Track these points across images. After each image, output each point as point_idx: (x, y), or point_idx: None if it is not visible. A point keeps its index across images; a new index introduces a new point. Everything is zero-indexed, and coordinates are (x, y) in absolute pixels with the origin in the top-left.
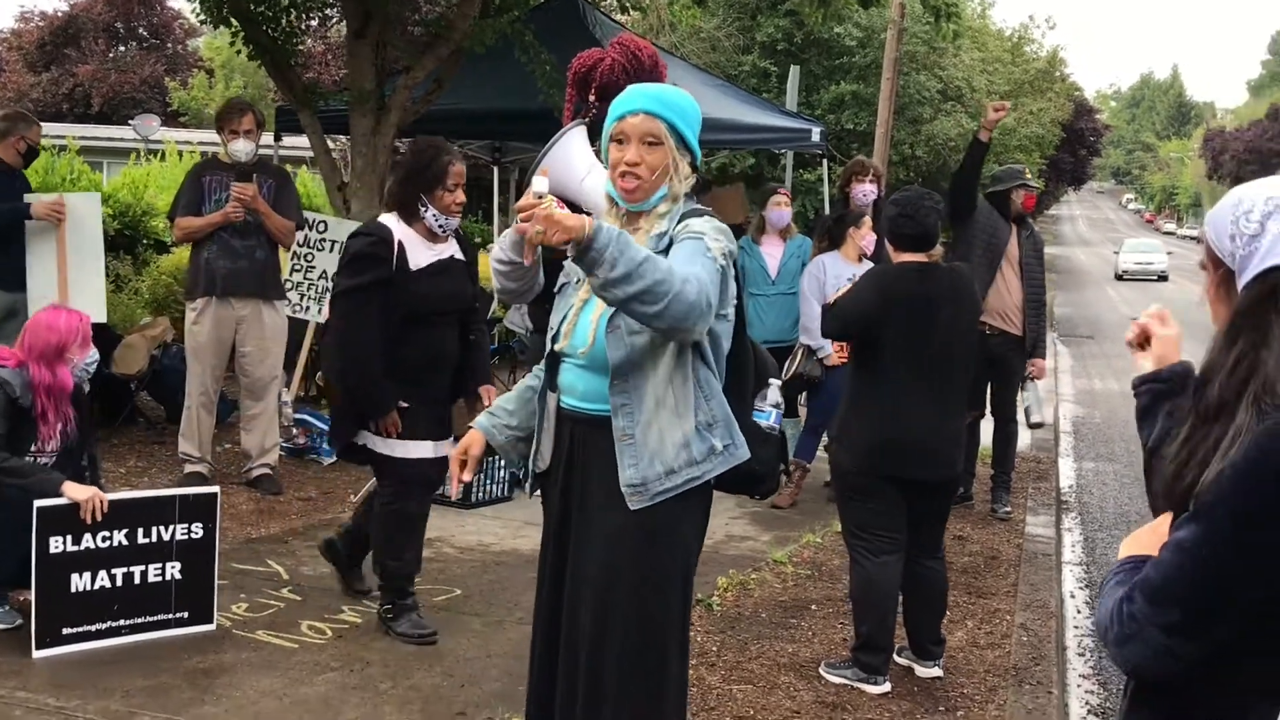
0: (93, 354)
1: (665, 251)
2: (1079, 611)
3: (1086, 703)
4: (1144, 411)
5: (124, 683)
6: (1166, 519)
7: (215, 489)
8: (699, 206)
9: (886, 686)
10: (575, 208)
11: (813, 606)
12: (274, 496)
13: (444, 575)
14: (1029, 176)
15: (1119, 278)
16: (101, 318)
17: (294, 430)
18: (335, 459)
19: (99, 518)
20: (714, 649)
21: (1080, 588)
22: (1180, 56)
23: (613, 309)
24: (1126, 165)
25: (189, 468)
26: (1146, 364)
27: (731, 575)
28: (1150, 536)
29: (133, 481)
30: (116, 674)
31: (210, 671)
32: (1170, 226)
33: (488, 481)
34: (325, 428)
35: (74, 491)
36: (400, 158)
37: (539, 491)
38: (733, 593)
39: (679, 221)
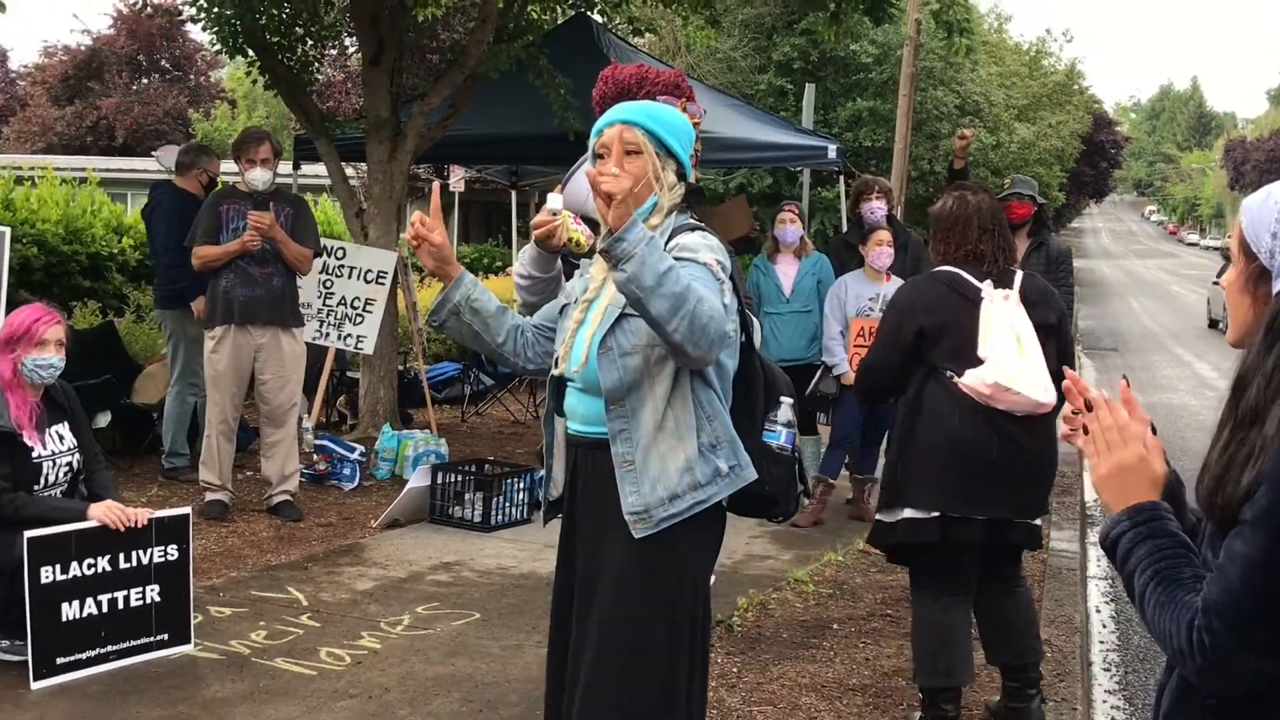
0: (47, 358)
1: None
2: (1104, 626)
3: (1112, 718)
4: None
5: (141, 713)
6: (1140, 446)
7: (187, 510)
8: (690, 220)
9: None
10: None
11: (834, 626)
12: (294, 523)
13: (463, 599)
14: (1028, 190)
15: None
16: None
17: (314, 456)
18: (356, 485)
19: (137, 524)
20: (734, 670)
21: (1106, 602)
22: (1199, 67)
23: (606, 327)
24: (1148, 177)
25: (209, 495)
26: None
27: (752, 595)
28: (1134, 475)
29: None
30: (134, 704)
31: (228, 700)
32: (1193, 238)
33: (507, 504)
34: (346, 454)
35: (99, 513)
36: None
37: (556, 517)
38: (753, 613)
39: (670, 238)
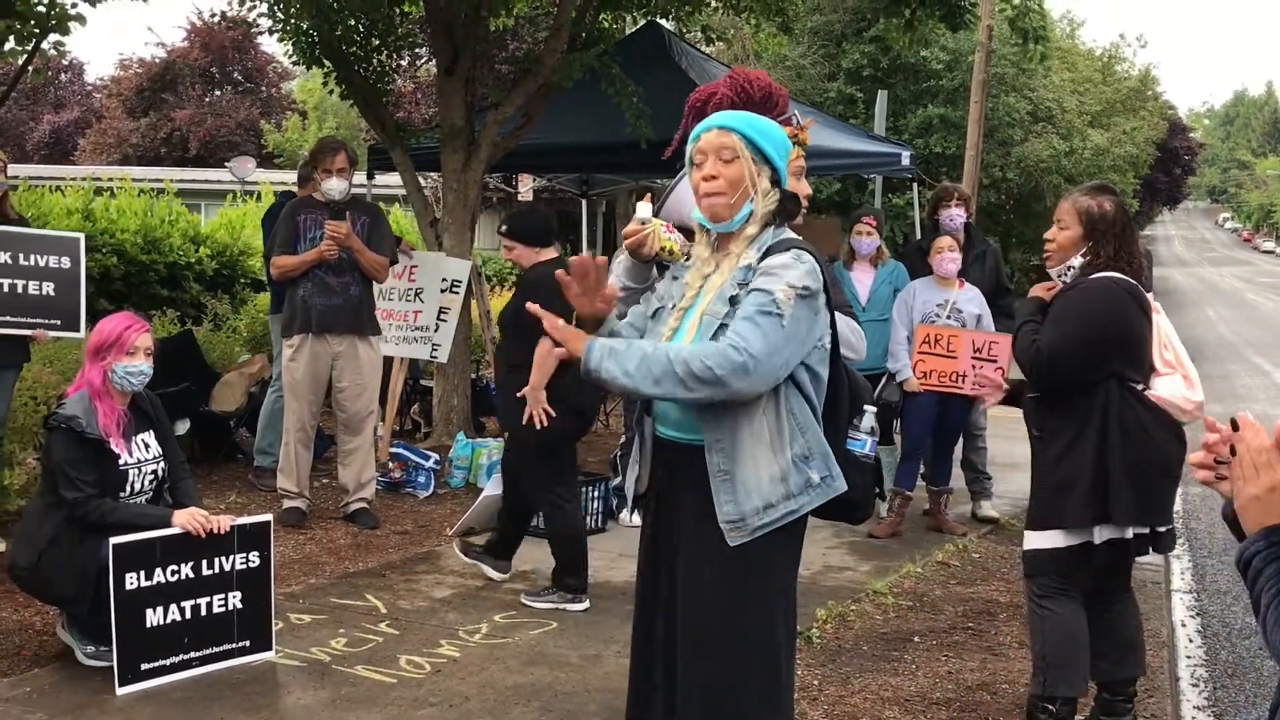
0: (137, 365)
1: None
2: (1191, 641)
3: None
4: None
5: (225, 719)
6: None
7: (268, 517)
8: (789, 236)
9: None
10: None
11: (915, 639)
12: (371, 530)
13: (540, 608)
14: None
15: None
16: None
17: (390, 465)
18: (430, 493)
19: (219, 531)
20: (815, 683)
21: (1191, 616)
22: (1275, 72)
23: (705, 338)
24: (1222, 184)
25: (287, 503)
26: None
27: (830, 607)
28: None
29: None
30: (217, 710)
31: (310, 707)
32: (1270, 245)
33: (583, 514)
34: (421, 461)
35: (182, 519)
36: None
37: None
38: (832, 625)
39: (764, 255)
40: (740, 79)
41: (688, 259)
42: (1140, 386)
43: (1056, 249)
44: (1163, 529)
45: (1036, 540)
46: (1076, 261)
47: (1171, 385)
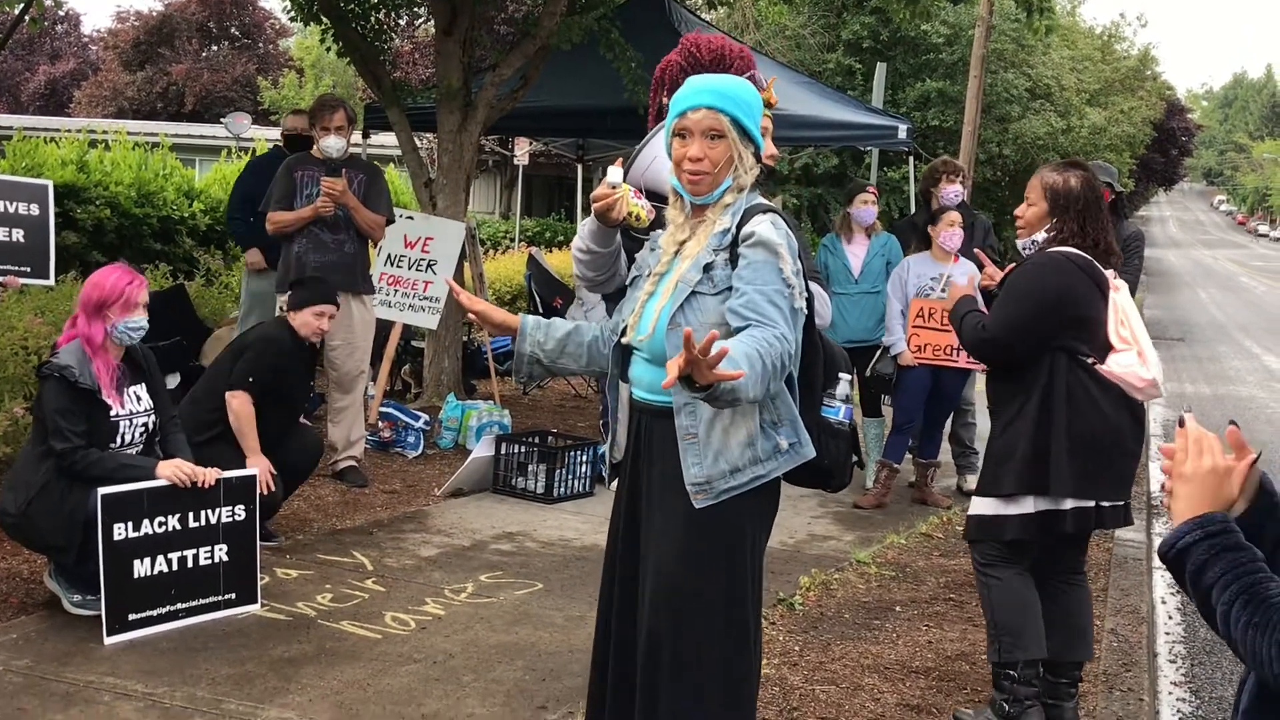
0: (138, 319)
1: (731, 248)
2: (1170, 618)
3: (1178, 710)
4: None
5: (210, 670)
6: (1210, 450)
7: (254, 471)
8: (761, 201)
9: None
10: (658, 197)
11: (897, 608)
12: (360, 489)
13: (526, 569)
14: (1107, 177)
15: None
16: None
17: (379, 424)
18: (420, 453)
19: (204, 484)
20: (796, 648)
21: (1171, 593)
22: (1274, 55)
23: (677, 304)
24: (1218, 166)
25: None
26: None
27: (814, 575)
28: (1209, 479)
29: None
30: (202, 661)
31: (295, 661)
32: (1264, 229)
33: (569, 476)
34: (411, 422)
35: (167, 471)
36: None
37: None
38: (815, 592)
39: (742, 221)
40: (690, 44)
41: (653, 227)
42: (1092, 361)
43: (1024, 224)
44: (1108, 504)
45: (977, 506)
46: (1040, 237)
47: (1125, 360)
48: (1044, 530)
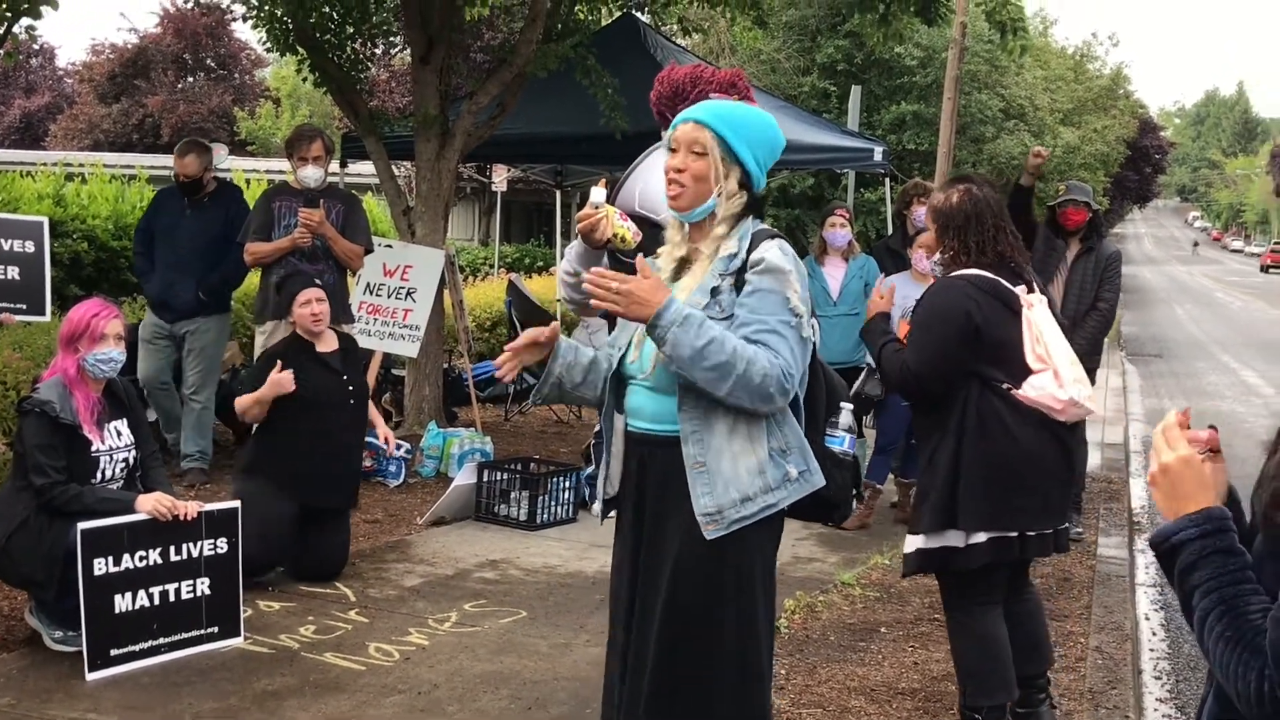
0: (107, 352)
1: (739, 274)
2: (1154, 634)
3: None
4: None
5: (193, 705)
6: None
7: (237, 504)
8: (767, 228)
9: None
10: (646, 222)
11: (882, 629)
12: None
13: (510, 597)
14: (1083, 196)
15: None
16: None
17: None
18: (401, 482)
19: (185, 517)
20: (782, 672)
21: (1155, 610)
22: (1245, 72)
23: None
24: (1192, 183)
25: None
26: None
27: (799, 597)
28: (1185, 470)
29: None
30: (186, 696)
31: (278, 694)
32: (1238, 244)
33: (552, 503)
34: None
35: (148, 505)
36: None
37: (611, 515)
38: (800, 615)
39: (752, 246)
40: (659, 76)
41: (639, 249)
42: (1006, 386)
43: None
44: (1034, 534)
45: (909, 544)
46: (938, 259)
47: (1039, 382)
48: (999, 561)
